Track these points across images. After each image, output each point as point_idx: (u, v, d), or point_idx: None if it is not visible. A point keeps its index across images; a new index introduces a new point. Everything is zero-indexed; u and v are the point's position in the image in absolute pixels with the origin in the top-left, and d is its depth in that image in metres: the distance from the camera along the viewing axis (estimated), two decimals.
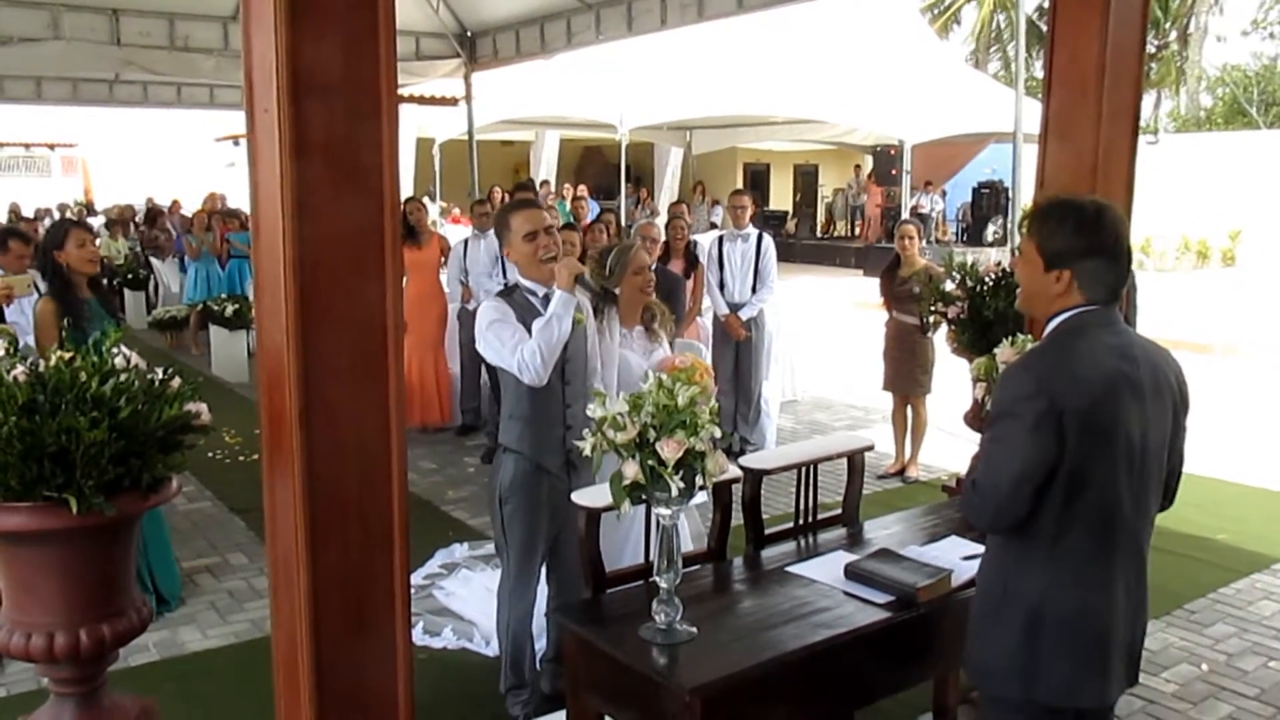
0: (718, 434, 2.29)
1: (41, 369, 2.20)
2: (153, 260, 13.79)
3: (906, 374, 6.68)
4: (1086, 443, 2.05)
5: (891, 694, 2.83)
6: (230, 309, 9.64)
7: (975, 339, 4.19)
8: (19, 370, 2.15)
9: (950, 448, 7.06)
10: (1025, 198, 16.36)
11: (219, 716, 3.84)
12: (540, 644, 3.94)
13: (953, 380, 7.19)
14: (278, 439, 2.16)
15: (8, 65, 11.46)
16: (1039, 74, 28.12)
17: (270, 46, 1.94)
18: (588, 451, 2.36)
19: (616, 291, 3.82)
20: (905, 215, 17.50)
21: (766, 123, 19.47)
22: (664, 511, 2.34)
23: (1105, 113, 3.51)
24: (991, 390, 3.13)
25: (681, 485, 2.27)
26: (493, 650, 4.34)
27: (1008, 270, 4.31)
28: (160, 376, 2.30)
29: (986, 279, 4.33)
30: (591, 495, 2.87)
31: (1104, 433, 2.06)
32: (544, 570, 3.69)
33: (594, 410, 2.34)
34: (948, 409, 7.19)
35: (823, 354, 10.23)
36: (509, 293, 3.52)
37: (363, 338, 2.10)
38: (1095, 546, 2.11)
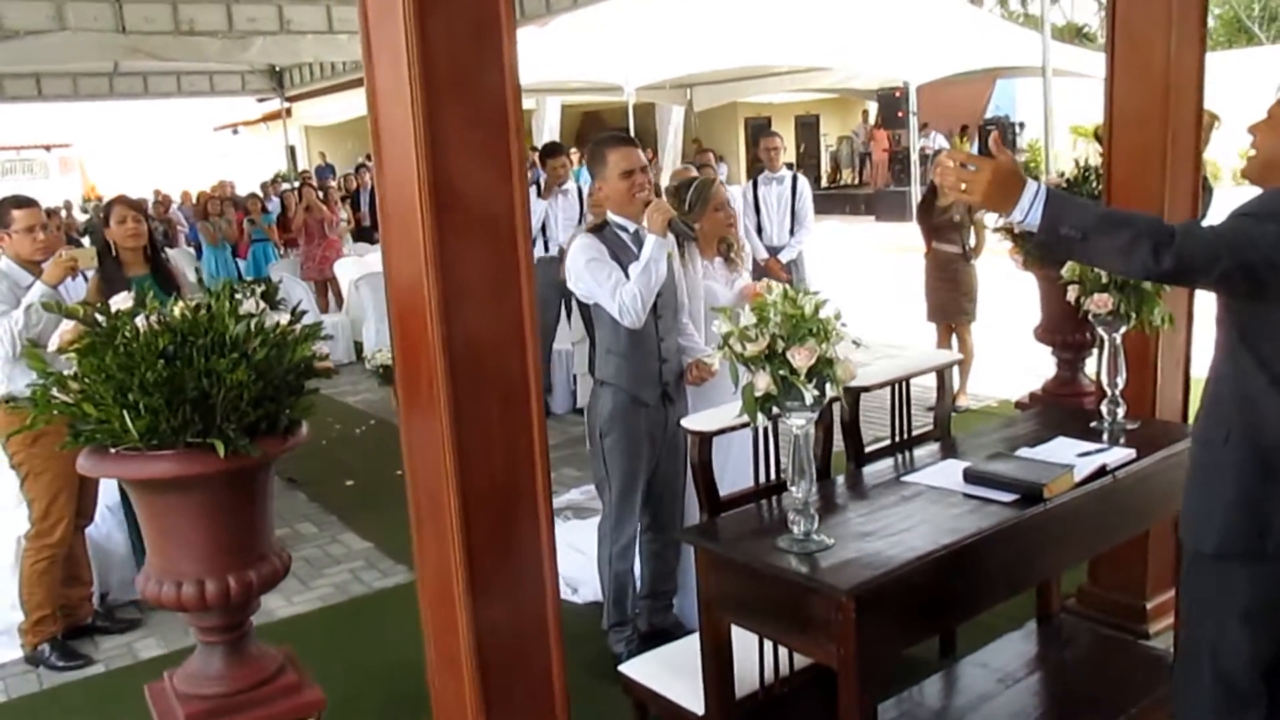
0: (850, 338, 2.28)
1: (169, 319, 2.19)
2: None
3: (951, 302, 6.67)
4: None
5: (1011, 596, 2.83)
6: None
7: None
8: (153, 318, 2.15)
9: (996, 375, 7.07)
10: (1034, 132, 16.28)
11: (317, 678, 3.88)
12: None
13: (997, 307, 7.19)
14: (414, 369, 2.15)
15: (11, 60, 11.38)
16: (1033, 10, 27.88)
17: None
18: (716, 366, 2.35)
19: (695, 226, 3.84)
20: (915, 156, 17.48)
21: (768, 74, 19.31)
22: (797, 421, 2.33)
23: (1175, 12, 3.47)
24: (1086, 293, 3.12)
25: (816, 393, 2.26)
26: (581, 597, 4.38)
27: (1069, 180, 4.29)
28: (286, 319, 2.30)
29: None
30: (701, 420, 2.87)
31: None
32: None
33: (719, 326, 2.33)
34: (993, 336, 7.20)
35: (853, 298, 10.26)
36: (599, 229, 3.56)
37: (496, 255, 2.08)
38: None
